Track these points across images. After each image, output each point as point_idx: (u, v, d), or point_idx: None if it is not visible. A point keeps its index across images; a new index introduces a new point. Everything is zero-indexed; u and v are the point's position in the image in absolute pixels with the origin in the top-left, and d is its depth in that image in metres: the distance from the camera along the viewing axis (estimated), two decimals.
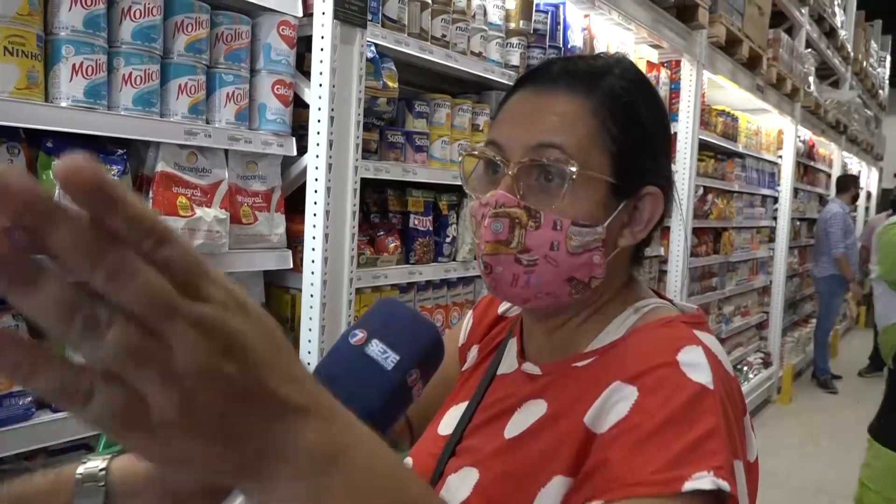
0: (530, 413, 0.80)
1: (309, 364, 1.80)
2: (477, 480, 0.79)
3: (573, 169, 0.75)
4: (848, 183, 6.66)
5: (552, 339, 0.86)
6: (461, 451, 0.86)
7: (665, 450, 0.63)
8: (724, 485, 0.61)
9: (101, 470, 0.58)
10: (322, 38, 1.72)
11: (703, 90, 3.91)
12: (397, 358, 0.62)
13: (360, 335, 0.63)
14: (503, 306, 1.02)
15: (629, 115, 0.79)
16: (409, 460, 0.92)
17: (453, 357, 1.04)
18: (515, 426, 0.81)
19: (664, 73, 3.66)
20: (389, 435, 0.65)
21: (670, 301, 0.87)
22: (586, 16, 2.91)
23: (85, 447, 1.46)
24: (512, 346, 0.93)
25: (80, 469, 0.58)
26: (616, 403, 0.69)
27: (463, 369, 1.00)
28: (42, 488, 0.57)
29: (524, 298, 0.81)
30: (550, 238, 0.77)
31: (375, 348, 0.62)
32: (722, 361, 0.72)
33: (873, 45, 9.78)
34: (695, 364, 0.69)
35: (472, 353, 1.01)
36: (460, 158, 0.89)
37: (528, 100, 0.81)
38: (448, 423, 0.91)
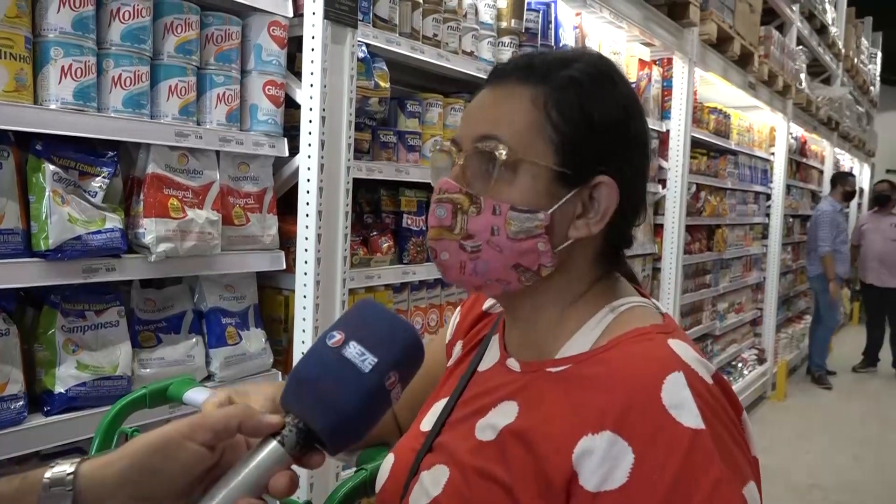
0: (502, 415, 0.80)
1: None
2: (447, 479, 0.80)
3: (503, 153, 0.78)
4: (837, 180, 6.62)
5: (528, 334, 0.86)
6: (436, 447, 0.86)
7: None
8: None
9: (68, 474, 0.57)
10: (313, 38, 1.72)
11: (695, 88, 3.91)
12: (375, 360, 0.62)
13: (337, 337, 0.63)
14: (488, 302, 1.03)
15: (577, 106, 0.79)
16: (391, 455, 0.92)
17: (441, 353, 1.05)
18: (488, 428, 0.80)
19: (656, 71, 3.67)
20: (365, 436, 0.65)
21: (647, 298, 0.86)
22: (578, 14, 2.91)
23: (78, 451, 1.45)
24: (494, 343, 0.93)
25: (48, 473, 0.57)
26: (610, 462, 0.68)
27: (448, 365, 1.01)
28: (8, 493, 0.57)
29: (475, 285, 0.83)
30: (490, 223, 0.79)
31: (353, 350, 0.62)
32: (701, 375, 0.72)
33: (864, 41, 9.81)
34: (679, 402, 0.68)
35: (457, 349, 1.01)
36: (431, 154, 0.91)
37: (483, 95, 0.85)
38: (430, 418, 0.92)
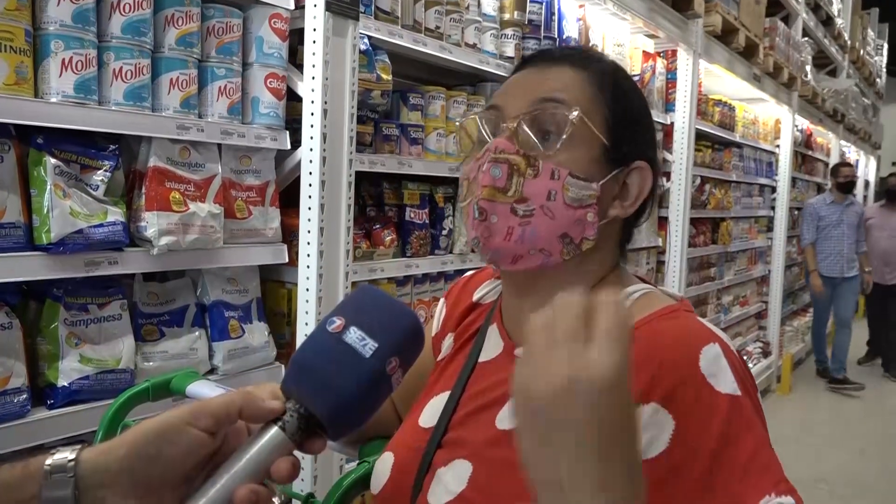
0: None
1: None
2: (471, 473, 0.78)
3: (575, 114, 0.78)
4: (831, 172, 6.43)
5: None
6: (448, 443, 0.84)
7: (722, 490, 0.65)
8: (788, 500, 0.64)
9: (70, 461, 0.57)
10: (314, 30, 1.71)
11: (699, 80, 3.89)
12: (375, 345, 0.61)
13: (337, 322, 0.62)
14: (479, 292, 1.00)
15: (620, 92, 0.84)
16: (388, 454, 0.90)
17: (427, 348, 1.02)
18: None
19: (660, 63, 3.65)
20: (367, 422, 0.64)
21: (653, 285, 0.87)
22: (581, 6, 2.90)
23: (81, 444, 1.45)
24: (493, 332, 0.91)
25: (49, 460, 0.57)
26: (653, 431, 0.69)
27: (438, 359, 0.98)
28: (9, 481, 0.56)
29: (515, 255, 0.81)
30: (548, 187, 0.78)
31: (353, 335, 0.61)
32: (731, 347, 0.75)
33: (870, 33, 9.75)
34: (717, 370, 0.71)
35: (448, 342, 0.99)
36: (458, 123, 0.90)
37: (529, 74, 0.86)
38: (430, 414, 0.90)
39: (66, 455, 0.58)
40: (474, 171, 0.82)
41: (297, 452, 0.62)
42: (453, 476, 0.80)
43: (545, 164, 0.78)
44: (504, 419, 0.80)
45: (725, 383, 0.70)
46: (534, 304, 0.85)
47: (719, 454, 0.67)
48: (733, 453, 0.67)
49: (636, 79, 3.37)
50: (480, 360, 0.90)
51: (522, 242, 0.80)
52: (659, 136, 3.72)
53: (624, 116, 0.83)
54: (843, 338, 6.08)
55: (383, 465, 0.89)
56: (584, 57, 0.86)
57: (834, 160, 8.01)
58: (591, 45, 2.90)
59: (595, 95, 0.82)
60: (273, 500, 0.63)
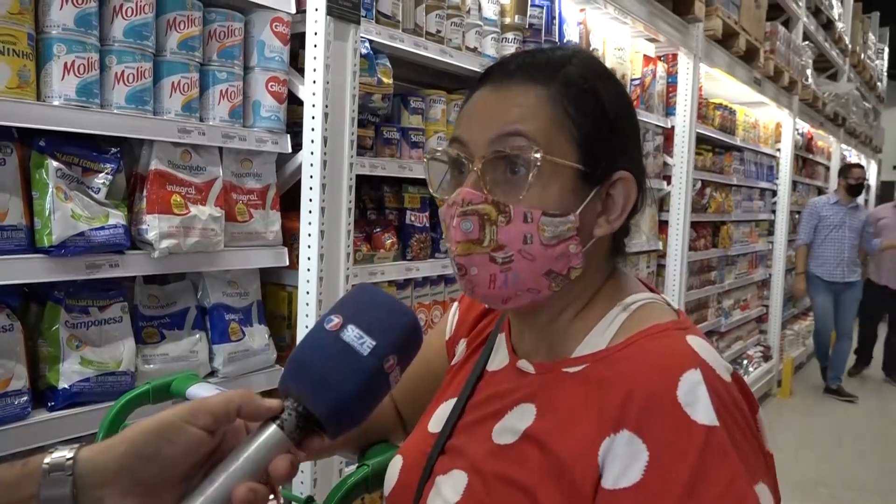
0: (520, 418, 0.79)
1: None
2: (466, 486, 0.79)
3: (537, 155, 0.74)
4: (840, 173, 6.18)
5: (542, 337, 0.84)
6: (450, 449, 0.85)
7: None
8: None
9: (68, 459, 0.57)
10: (315, 34, 1.72)
11: (700, 84, 3.90)
12: (374, 343, 0.61)
13: (335, 320, 0.62)
14: None
15: (590, 102, 0.78)
16: (398, 457, 0.91)
17: (440, 352, 1.03)
18: (506, 431, 0.79)
19: (661, 67, 3.66)
20: (365, 420, 0.64)
21: (656, 292, 0.85)
22: (582, 10, 2.90)
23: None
24: (501, 342, 0.91)
25: (47, 459, 0.57)
26: (626, 460, 0.68)
27: (451, 364, 0.99)
28: (8, 479, 0.56)
29: (504, 298, 0.79)
30: (523, 231, 0.75)
31: (351, 334, 0.61)
32: (719, 372, 0.71)
33: (871, 37, 9.75)
34: (695, 399, 0.68)
35: (461, 348, 0.99)
36: (425, 161, 0.85)
37: (487, 96, 0.80)
38: (438, 420, 0.90)
39: (64, 454, 0.58)
40: (448, 218, 0.79)
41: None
42: (449, 486, 0.80)
43: (516, 209, 0.75)
44: (500, 433, 0.80)
45: (703, 413, 0.67)
46: (534, 323, 0.84)
47: (692, 488, 0.65)
48: (705, 487, 0.65)
49: (636, 82, 3.38)
50: (488, 368, 0.90)
51: (507, 287, 0.77)
52: (659, 139, 3.72)
53: (596, 128, 0.77)
54: (844, 347, 5.95)
55: (393, 467, 0.91)
56: (543, 68, 0.79)
57: (835, 164, 8.01)
58: (591, 49, 2.90)
59: (558, 116, 0.76)
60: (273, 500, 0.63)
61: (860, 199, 6.14)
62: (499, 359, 0.90)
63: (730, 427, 0.68)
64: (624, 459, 0.67)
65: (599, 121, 0.78)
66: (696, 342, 0.73)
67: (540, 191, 0.75)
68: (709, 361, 0.71)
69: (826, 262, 5.79)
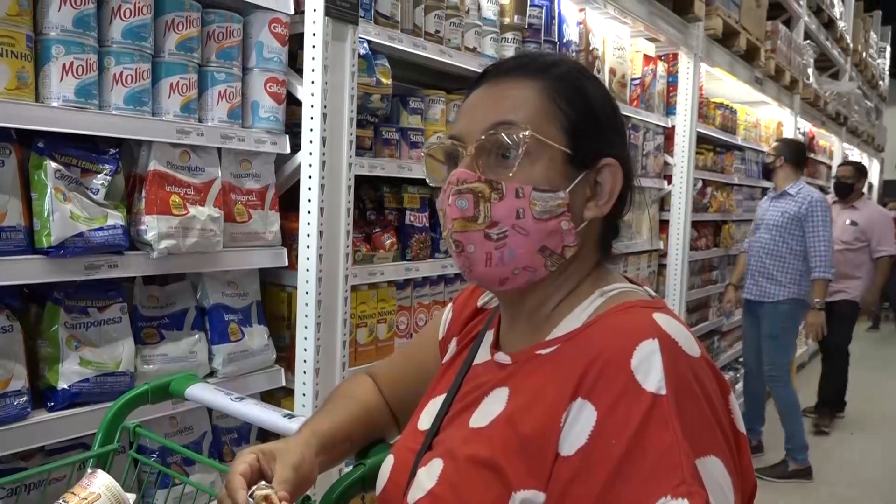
0: (494, 402, 0.82)
1: (305, 361, 1.79)
2: (441, 470, 0.81)
3: (526, 133, 0.79)
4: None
5: (528, 325, 0.87)
6: (435, 444, 0.87)
7: (627, 488, 0.66)
8: (682, 503, 0.63)
9: None
10: (314, 35, 1.72)
11: (700, 83, 3.89)
12: None
13: None
14: (483, 298, 1.03)
15: (577, 95, 0.84)
16: (390, 457, 0.92)
17: (434, 352, 1.05)
18: (482, 415, 0.82)
19: (661, 67, 3.66)
20: None
21: (640, 286, 0.87)
22: (581, 10, 2.90)
23: (82, 446, 1.46)
24: (488, 338, 0.93)
25: None
26: (578, 426, 0.71)
27: (443, 362, 1.00)
28: None
29: (501, 278, 0.82)
30: (515, 206, 0.79)
31: None
32: (681, 344, 0.72)
33: (873, 35, 9.74)
34: (648, 367, 0.69)
35: (452, 346, 1.01)
36: (423, 155, 0.92)
37: (482, 93, 0.87)
38: (426, 417, 0.92)
39: None
40: (444, 203, 0.84)
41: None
42: (427, 474, 0.83)
43: (508, 185, 0.79)
44: (476, 419, 0.82)
45: (652, 381, 0.69)
46: (522, 312, 0.87)
47: (629, 453, 0.67)
48: (640, 453, 0.67)
49: (637, 82, 3.38)
50: (474, 363, 0.92)
51: (504, 265, 0.81)
52: (660, 139, 3.72)
53: (583, 119, 0.83)
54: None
55: (384, 467, 0.92)
56: (538, 64, 0.86)
57: (837, 163, 7.99)
58: (591, 48, 2.90)
59: (548, 105, 0.82)
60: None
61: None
62: (484, 353, 0.92)
63: (680, 398, 0.69)
64: (576, 426, 0.70)
65: (586, 113, 0.84)
66: (663, 318, 0.75)
67: (530, 168, 0.80)
68: (672, 335, 0.72)
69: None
